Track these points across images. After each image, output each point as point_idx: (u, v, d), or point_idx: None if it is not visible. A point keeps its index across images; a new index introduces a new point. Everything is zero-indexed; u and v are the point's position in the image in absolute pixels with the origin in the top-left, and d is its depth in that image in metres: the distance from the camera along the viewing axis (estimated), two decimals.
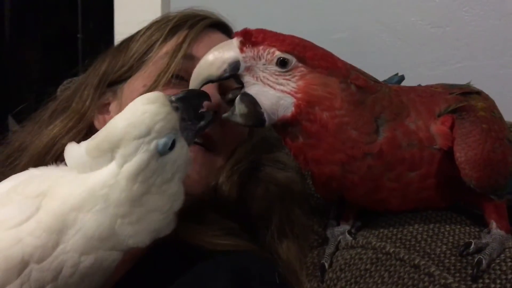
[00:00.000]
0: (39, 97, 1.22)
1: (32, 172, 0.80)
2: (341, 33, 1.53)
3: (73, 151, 0.77)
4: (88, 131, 1.07)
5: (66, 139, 1.05)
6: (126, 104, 1.02)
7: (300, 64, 0.83)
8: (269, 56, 0.83)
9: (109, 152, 0.73)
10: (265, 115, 0.84)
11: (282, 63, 0.83)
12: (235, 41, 0.84)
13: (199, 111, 0.83)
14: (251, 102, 0.84)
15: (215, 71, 0.84)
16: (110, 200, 0.72)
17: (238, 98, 0.85)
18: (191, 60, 1.03)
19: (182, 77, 1.03)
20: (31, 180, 0.77)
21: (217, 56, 0.84)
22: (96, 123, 1.10)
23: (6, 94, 2.66)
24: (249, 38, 0.83)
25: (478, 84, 1.02)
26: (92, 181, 0.73)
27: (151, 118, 0.74)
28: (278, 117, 0.84)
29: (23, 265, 0.69)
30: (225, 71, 0.84)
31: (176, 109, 0.78)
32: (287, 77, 0.83)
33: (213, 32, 1.12)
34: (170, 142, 0.75)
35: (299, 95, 0.82)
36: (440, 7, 1.43)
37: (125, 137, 0.73)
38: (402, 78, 1.26)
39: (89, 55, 1.20)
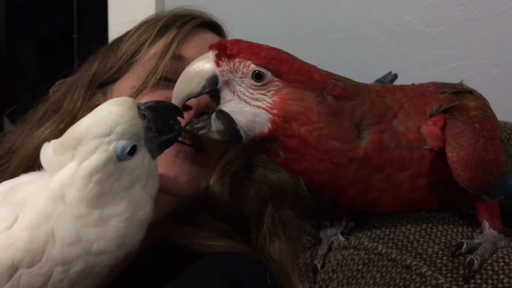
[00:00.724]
0: (34, 97, 1.21)
1: (21, 178, 0.81)
2: (336, 33, 1.53)
3: (45, 150, 0.77)
4: None
5: None
6: None
7: (275, 78, 0.82)
8: (244, 69, 0.82)
9: (72, 149, 0.73)
10: (242, 131, 0.83)
11: (257, 76, 0.82)
12: (210, 55, 0.84)
13: (170, 123, 0.82)
14: (227, 119, 0.84)
15: (195, 88, 0.84)
16: (67, 200, 0.72)
17: (214, 115, 0.84)
18: (180, 61, 1.03)
19: (170, 79, 1.02)
20: (15, 188, 0.78)
21: (196, 71, 0.84)
22: None
23: (1, 94, 2.65)
24: (224, 51, 0.83)
25: (472, 83, 1.02)
26: (52, 184, 0.73)
27: (114, 119, 0.74)
28: (255, 134, 0.83)
29: (13, 270, 0.70)
30: (204, 87, 0.84)
31: (143, 116, 0.78)
32: (263, 92, 0.82)
33: (203, 32, 1.11)
34: (128, 147, 0.74)
35: (274, 111, 0.81)
36: (434, 7, 1.43)
37: (87, 135, 0.73)
38: (395, 76, 1.26)
39: (84, 55, 1.20)
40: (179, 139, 0.90)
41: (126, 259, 0.90)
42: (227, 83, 0.83)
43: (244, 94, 0.83)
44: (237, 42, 0.84)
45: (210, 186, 1.00)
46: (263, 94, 0.82)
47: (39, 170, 0.79)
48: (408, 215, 0.94)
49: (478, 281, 0.78)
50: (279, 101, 0.81)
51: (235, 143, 0.89)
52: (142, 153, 0.77)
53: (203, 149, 1.01)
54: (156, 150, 0.81)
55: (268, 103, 0.82)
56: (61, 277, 0.72)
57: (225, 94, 0.84)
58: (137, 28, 1.13)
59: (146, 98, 0.98)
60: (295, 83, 0.82)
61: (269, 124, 0.81)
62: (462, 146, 0.83)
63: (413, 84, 1.14)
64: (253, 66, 0.82)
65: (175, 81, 1.02)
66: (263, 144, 0.85)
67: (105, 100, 1.08)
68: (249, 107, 0.82)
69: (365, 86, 0.90)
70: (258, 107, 0.82)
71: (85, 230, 0.72)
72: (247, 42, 0.85)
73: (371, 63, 1.44)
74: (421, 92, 0.92)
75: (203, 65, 0.84)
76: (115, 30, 1.84)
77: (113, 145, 0.73)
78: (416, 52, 1.45)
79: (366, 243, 0.90)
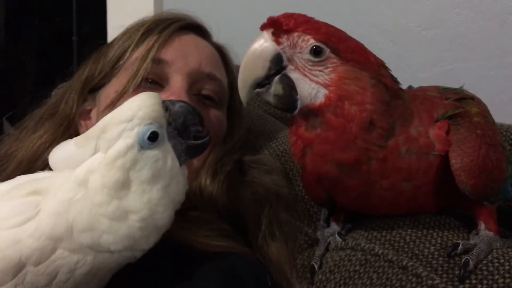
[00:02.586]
0: (34, 100, 1.23)
1: (34, 175, 0.80)
2: None
3: (63, 148, 0.78)
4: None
5: (56, 144, 1.06)
6: (103, 111, 1.04)
7: (333, 55, 0.81)
8: (303, 44, 0.81)
9: (95, 139, 0.74)
10: (299, 102, 0.82)
11: (316, 52, 0.81)
12: (266, 35, 0.82)
13: (191, 127, 0.82)
14: (289, 86, 0.83)
15: (261, 72, 0.82)
16: (89, 185, 0.73)
17: (277, 78, 0.83)
18: (160, 63, 1.05)
19: (155, 82, 1.04)
20: (31, 181, 0.77)
21: (257, 54, 0.82)
22: (80, 129, 1.11)
23: (1, 96, 2.66)
24: (280, 27, 0.81)
25: (469, 86, 1.02)
26: (77, 171, 0.74)
27: (137, 104, 0.76)
28: (306, 104, 0.82)
29: (19, 266, 0.70)
30: (270, 68, 0.82)
31: (166, 109, 0.79)
32: (320, 68, 0.81)
33: (185, 34, 1.13)
34: (148, 132, 0.74)
35: (331, 88, 0.81)
36: (431, 9, 1.44)
37: (112, 121, 0.75)
38: (398, 83, 1.26)
39: (84, 57, 1.21)
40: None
41: None
42: (289, 59, 0.82)
43: (304, 68, 0.82)
44: (291, 15, 0.83)
45: (203, 186, 1.01)
46: (321, 71, 0.81)
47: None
48: (405, 217, 0.94)
49: (473, 281, 0.78)
50: (336, 79, 0.81)
51: (285, 111, 0.88)
52: (166, 147, 0.78)
53: None
54: (182, 154, 0.80)
55: (325, 79, 0.81)
56: (66, 278, 0.72)
57: (290, 67, 0.83)
58: (123, 33, 1.15)
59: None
60: (352, 62, 0.82)
61: (323, 99, 0.81)
62: (465, 153, 0.83)
63: (410, 87, 1.15)
64: (312, 41, 0.81)
65: (157, 83, 1.05)
66: (305, 116, 0.83)
67: (95, 105, 1.11)
68: (310, 82, 0.81)
69: (403, 89, 0.90)
70: (316, 82, 0.81)
71: (99, 219, 0.72)
72: (301, 15, 0.84)
73: None
74: (431, 99, 0.91)
75: (263, 46, 0.82)
76: (114, 33, 1.86)
77: (135, 130, 0.74)
78: (413, 54, 1.46)
79: (363, 244, 0.91)
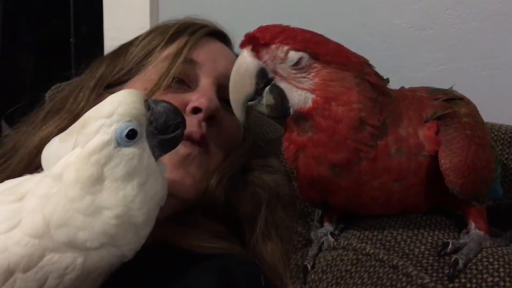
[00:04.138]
0: (32, 101, 1.23)
1: (22, 178, 0.81)
2: (327, 36, 1.54)
3: (51, 144, 0.78)
4: None
5: None
6: None
7: (313, 61, 0.83)
8: (282, 55, 0.83)
9: (76, 133, 0.74)
10: (291, 110, 0.84)
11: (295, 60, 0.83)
12: (246, 52, 0.84)
13: (172, 125, 0.82)
14: (280, 95, 0.85)
15: (250, 89, 0.85)
16: (63, 179, 0.72)
17: (267, 88, 0.85)
18: (191, 64, 1.06)
19: (182, 81, 1.05)
20: (17, 185, 0.78)
21: (242, 73, 0.85)
22: None
23: None
24: (258, 42, 0.83)
25: (461, 86, 1.03)
26: (55, 166, 0.74)
27: (118, 100, 0.76)
28: (295, 109, 0.84)
29: (8, 273, 0.70)
30: (257, 84, 0.85)
31: (148, 108, 0.79)
32: (304, 75, 0.83)
33: (212, 40, 1.15)
34: (127, 130, 0.74)
35: (317, 92, 0.82)
36: (423, 10, 1.44)
37: (92, 116, 0.75)
38: (387, 81, 1.27)
39: (81, 59, 1.22)
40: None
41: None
42: (273, 71, 0.84)
43: (289, 77, 0.84)
44: (266, 28, 0.84)
45: (209, 188, 1.02)
46: (305, 77, 0.83)
47: (38, 168, 0.80)
48: (396, 217, 0.95)
49: (463, 280, 0.79)
50: (320, 83, 0.82)
51: (279, 119, 0.90)
52: (142, 145, 0.78)
53: (208, 151, 1.03)
54: (156, 149, 0.81)
55: (310, 85, 0.83)
56: (56, 283, 0.72)
57: (276, 77, 0.85)
58: (148, 34, 1.15)
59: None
60: (333, 63, 0.83)
61: (311, 103, 0.82)
62: (454, 153, 0.84)
63: (402, 88, 1.16)
64: (291, 52, 0.82)
65: (186, 83, 1.06)
66: (296, 121, 0.85)
67: None
68: (297, 89, 0.83)
69: (392, 89, 0.91)
70: (303, 89, 0.83)
71: (73, 214, 0.72)
72: (276, 26, 0.85)
73: None
74: (420, 99, 0.93)
75: (246, 64, 0.85)
76: (110, 34, 1.87)
77: (114, 126, 0.74)
78: (405, 55, 1.46)
79: (355, 243, 0.92)
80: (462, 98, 0.96)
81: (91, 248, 0.73)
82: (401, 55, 1.47)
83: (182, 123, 0.84)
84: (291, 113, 0.85)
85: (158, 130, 0.80)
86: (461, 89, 1.02)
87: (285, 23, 1.58)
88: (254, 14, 1.66)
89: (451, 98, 0.94)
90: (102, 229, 0.73)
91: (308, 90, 0.83)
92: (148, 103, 0.80)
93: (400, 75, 1.44)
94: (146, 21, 1.78)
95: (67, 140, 0.75)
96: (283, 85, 0.85)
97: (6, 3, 2.85)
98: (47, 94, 1.33)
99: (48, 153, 0.78)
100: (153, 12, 1.80)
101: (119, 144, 0.74)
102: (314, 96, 0.82)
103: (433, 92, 0.96)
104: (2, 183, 0.81)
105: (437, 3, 1.43)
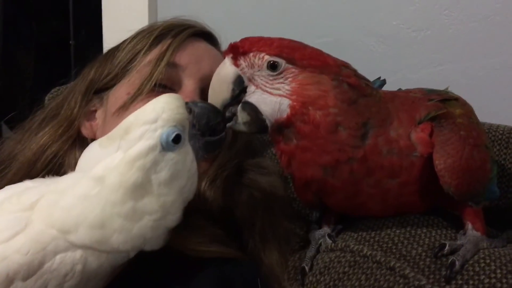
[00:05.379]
0: (32, 103, 1.24)
1: (27, 183, 0.81)
2: (326, 37, 1.55)
3: (87, 150, 0.79)
4: (77, 138, 1.09)
5: (55, 146, 1.07)
6: (111, 111, 1.05)
7: (290, 66, 0.84)
8: (259, 61, 0.84)
9: (118, 139, 0.75)
10: (267, 121, 0.86)
11: (272, 66, 0.84)
12: (227, 60, 0.87)
13: (213, 126, 0.84)
14: (252, 110, 0.86)
15: (226, 95, 0.87)
16: (106, 183, 0.73)
17: (240, 106, 0.87)
18: (174, 67, 1.05)
19: (165, 86, 1.04)
20: (25, 191, 0.78)
21: (221, 79, 0.87)
22: (83, 130, 1.11)
23: None
24: (237, 50, 0.85)
25: (458, 86, 1.04)
26: (96, 168, 0.74)
27: (162, 106, 0.77)
28: (275, 120, 0.85)
29: (8, 282, 0.70)
30: (233, 90, 0.86)
31: (190, 111, 0.80)
32: (280, 80, 0.84)
33: (197, 41, 1.13)
34: (173, 134, 0.75)
35: (294, 97, 0.83)
36: (420, 11, 1.45)
37: (135, 122, 0.75)
38: (383, 82, 1.28)
39: (81, 61, 1.22)
40: None
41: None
42: (250, 78, 0.86)
43: (264, 85, 0.85)
44: (247, 39, 0.86)
45: (202, 189, 1.01)
46: (281, 83, 0.84)
47: (37, 176, 0.81)
48: (394, 218, 0.96)
49: (460, 281, 0.80)
50: (297, 87, 0.83)
51: (261, 133, 0.92)
52: (186, 149, 0.79)
53: None
54: (200, 150, 0.82)
55: (287, 90, 0.84)
56: None
57: (250, 88, 0.86)
58: (133, 37, 1.15)
59: (141, 104, 0.99)
60: (310, 67, 0.84)
61: (288, 110, 0.83)
62: (449, 154, 0.85)
63: (400, 90, 1.16)
64: (267, 57, 0.84)
65: (169, 88, 1.05)
66: (279, 131, 0.86)
67: (101, 105, 1.11)
68: (272, 97, 0.85)
69: (376, 89, 0.92)
70: (279, 95, 0.84)
71: (112, 217, 0.72)
72: (257, 37, 0.87)
73: (359, 66, 1.45)
74: (412, 100, 0.93)
75: (225, 71, 0.87)
76: (109, 37, 1.87)
77: (158, 131, 0.75)
78: (403, 56, 1.47)
79: (352, 245, 0.92)
80: (457, 99, 0.97)
81: (123, 251, 0.75)
82: (399, 56, 1.47)
83: (223, 121, 0.86)
84: (269, 125, 0.86)
85: (201, 131, 0.82)
86: (458, 90, 1.03)
87: (283, 23, 1.61)
88: (251, 16, 1.67)
89: (446, 99, 0.94)
90: (140, 232, 0.75)
91: (284, 96, 0.84)
92: (189, 106, 0.81)
93: (398, 75, 1.45)
94: (144, 24, 1.78)
95: (108, 145, 0.76)
96: (254, 98, 0.86)
97: (6, 6, 2.86)
98: (46, 98, 1.34)
99: (87, 157, 0.78)
100: (151, 15, 1.80)
101: (164, 149, 0.75)
102: (290, 101, 0.83)
103: (428, 93, 0.96)
104: (2, 189, 0.81)
105: (434, 4, 1.43)
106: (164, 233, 0.78)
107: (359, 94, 0.85)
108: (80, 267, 0.73)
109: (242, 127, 0.87)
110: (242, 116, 0.86)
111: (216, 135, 0.85)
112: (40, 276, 0.71)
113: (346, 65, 0.88)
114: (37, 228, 0.73)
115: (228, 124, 0.88)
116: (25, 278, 0.71)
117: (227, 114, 0.88)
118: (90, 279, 0.75)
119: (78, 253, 0.73)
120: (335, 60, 0.87)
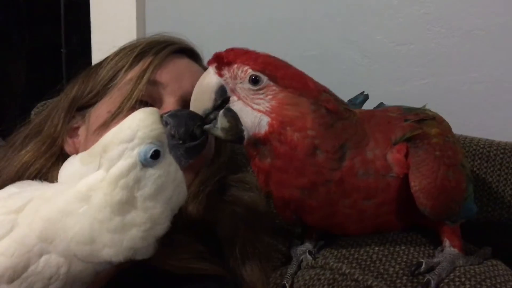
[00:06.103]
0: (23, 111, 1.24)
1: (11, 189, 0.82)
2: (311, 51, 1.57)
3: (68, 163, 0.80)
4: (60, 155, 1.09)
5: (38, 163, 1.07)
6: (92, 129, 1.06)
7: (271, 83, 0.85)
8: (242, 74, 0.85)
9: (98, 156, 0.76)
10: (245, 132, 0.86)
11: (254, 81, 0.85)
12: (211, 69, 0.87)
13: (193, 131, 0.84)
14: (234, 118, 0.86)
15: (208, 103, 0.87)
16: (92, 202, 0.74)
17: (222, 112, 0.87)
18: (155, 85, 1.06)
19: (146, 102, 1.05)
20: (12, 195, 0.79)
21: (203, 87, 0.88)
22: (66, 147, 1.11)
23: None
24: (222, 60, 0.86)
25: (441, 100, 1.05)
26: (79, 185, 0.75)
27: (137, 124, 0.77)
28: (253, 133, 0.85)
29: None
30: (215, 100, 0.87)
31: (166, 124, 0.80)
32: (261, 96, 0.85)
33: (178, 58, 1.14)
34: (150, 151, 0.76)
35: (273, 115, 0.84)
36: (404, 26, 1.46)
37: (113, 141, 0.76)
38: (366, 97, 1.29)
39: (72, 69, 1.22)
40: None
41: (101, 280, 0.92)
42: (232, 90, 0.87)
43: (246, 98, 0.86)
44: (232, 49, 0.87)
45: (184, 206, 1.02)
46: (262, 99, 0.85)
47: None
48: (373, 235, 0.96)
49: None
50: (276, 105, 0.84)
51: (235, 143, 0.91)
52: (168, 161, 0.79)
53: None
54: (182, 157, 0.82)
55: (267, 107, 0.84)
56: None
57: (233, 98, 0.87)
58: (116, 54, 1.15)
59: None
60: (291, 88, 0.84)
61: (267, 127, 0.84)
62: (424, 175, 0.86)
63: (381, 104, 1.17)
64: (250, 71, 0.85)
65: (151, 105, 1.04)
66: (255, 146, 0.87)
67: (84, 123, 1.11)
68: (253, 111, 0.85)
69: (353, 111, 0.92)
70: (259, 111, 0.85)
71: (101, 233, 0.74)
72: (242, 48, 0.88)
73: (344, 79, 1.48)
74: (388, 120, 0.94)
75: (208, 80, 0.87)
76: (97, 48, 1.88)
77: (136, 150, 0.75)
78: (387, 70, 1.49)
79: (332, 263, 0.93)
80: (434, 118, 0.97)
81: (115, 262, 0.76)
82: (383, 70, 1.49)
83: (202, 124, 0.86)
84: (246, 137, 0.86)
85: (182, 140, 0.82)
86: (441, 103, 1.04)
87: (269, 36, 1.62)
88: (238, 28, 1.68)
89: (422, 119, 0.95)
90: (130, 244, 0.76)
91: (264, 112, 0.84)
92: (165, 119, 0.81)
93: (382, 89, 1.46)
94: (132, 35, 1.79)
95: (89, 162, 0.77)
96: (237, 107, 0.86)
97: None
98: (32, 112, 1.34)
99: (69, 170, 0.79)
100: (139, 26, 1.81)
101: (144, 166, 0.76)
102: (269, 119, 0.84)
103: (405, 112, 0.97)
104: None
105: (418, 19, 1.45)
106: (154, 242, 0.79)
107: (336, 118, 0.86)
108: (65, 270, 0.75)
109: (219, 132, 0.87)
110: (222, 122, 0.87)
111: (197, 139, 0.85)
112: (25, 278, 0.72)
113: (326, 91, 0.88)
114: (23, 231, 0.74)
115: (206, 127, 0.87)
116: (11, 280, 0.72)
117: (210, 117, 0.88)
118: (75, 282, 0.77)
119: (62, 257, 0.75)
120: (316, 84, 0.88)
